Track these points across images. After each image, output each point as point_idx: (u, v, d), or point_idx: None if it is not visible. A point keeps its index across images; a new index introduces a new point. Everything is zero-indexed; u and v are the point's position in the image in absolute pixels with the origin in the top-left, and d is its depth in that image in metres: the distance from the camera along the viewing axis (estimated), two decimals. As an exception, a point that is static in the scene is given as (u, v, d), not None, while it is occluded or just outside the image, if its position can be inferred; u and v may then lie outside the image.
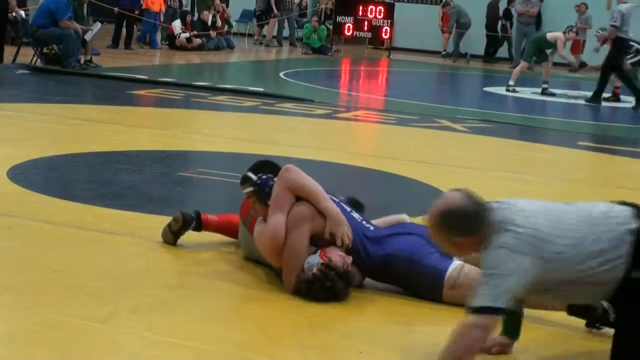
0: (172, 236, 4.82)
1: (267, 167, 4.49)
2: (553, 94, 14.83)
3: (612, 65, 14.00)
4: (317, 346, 3.60)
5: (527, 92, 15.25)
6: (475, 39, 23.49)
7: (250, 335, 3.69)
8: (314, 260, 4.13)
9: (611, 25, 14.10)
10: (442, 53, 23.61)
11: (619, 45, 13.88)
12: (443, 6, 23.47)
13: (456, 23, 23.18)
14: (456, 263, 4.18)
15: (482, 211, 3.17)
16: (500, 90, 15.65)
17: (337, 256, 4.14)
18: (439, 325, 3.91)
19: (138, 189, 6.25)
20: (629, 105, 14.43)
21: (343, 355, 3.60)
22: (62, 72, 13.24)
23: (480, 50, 23.72)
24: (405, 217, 4.63)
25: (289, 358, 3.52)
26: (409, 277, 4.22)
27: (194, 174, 6.90)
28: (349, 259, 4.17)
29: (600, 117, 13.52)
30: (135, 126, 9.09)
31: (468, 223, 3.16)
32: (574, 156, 9.29)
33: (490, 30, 23.39)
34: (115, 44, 18.61)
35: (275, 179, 4.35)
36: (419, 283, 4.21)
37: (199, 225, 4.85)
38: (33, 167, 6.73)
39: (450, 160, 8.29)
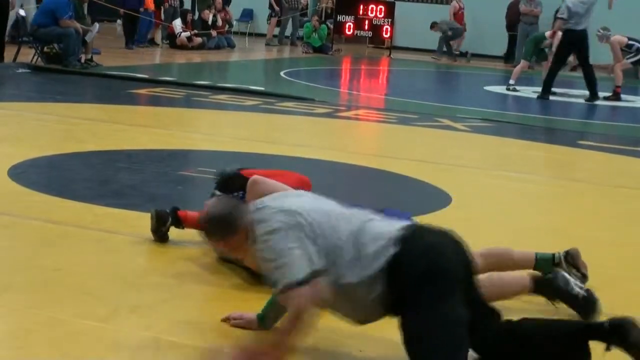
0: (154, 235, 4.79)
1: (233, 181, 4.39)
2: (553, 93, 14.82)
3: (557, 57, 14.29)
4: (318, 345, 3.59)
5: (527, 91, 15.24)
6: (493, 40, 23.45)
7: (250, 333, 3.68)
8: None
9: (559, 18, 14.49)
10: (455, 53, 23.42)
11: (569, 38, 14.04)
12: (432, 27, 23.24)
13: (445, 34, 23.16)
14: None
15: (236, 210, 3.29)
16: (501, 89, 15.64)
17: None
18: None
19: (138, 188, 6.25)
20: (630, 105, 14.43)
21: (344, 354, 3.60)
22: (62, 71, 13.24)
23: (498, 51, 23.55)
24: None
25: (290, 357, 3.51)
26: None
27: (194, 173, 6.89)
28: None
29: (600, 116, 13.51)
30: (135, 125, 9.09)
31: (228, 224, 3.28)
32: (574, 155, 9.28)
33: (512, 30, 23.08)
34: (131, 44, 18.62)
35: (245, 193, 4.29)
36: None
37: (179, 221, 4.81)
38: (34, 166, 6.73)
39: (451, 160, 8.28)
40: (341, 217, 3.25)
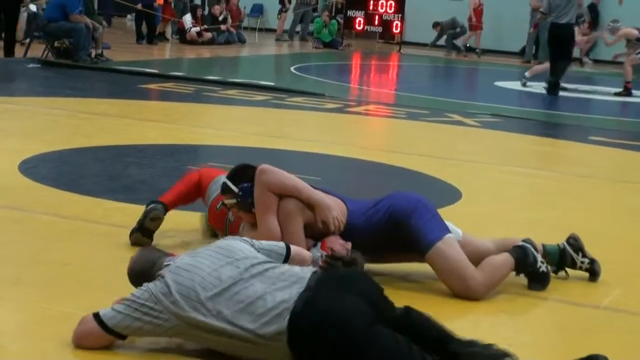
0: (150, 241, 4.73)
1: (245, 172, 4.35)
2: (565, 89, 14.76)
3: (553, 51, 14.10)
4: None
5: (538, 87, 15.20)
6: (510, 36, 23.37)
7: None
8: (317, 253, 4.12)
9: (541, 13, 14.64)
10: (462, 48, 23.37)
11: (554, 31, 13.95)
12: (434, 27, 23.20)
13: (448, 29, 23.14)
14: (451, 236, 4.26)
15: (153, 266, 3.44)
16: (512, 84, 15.60)
17: (339, 245, 4.13)
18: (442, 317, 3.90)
19: (148, 182, 6.25)
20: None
21: None
22: (72, 66, 13.26)
23: (514, 47, 23.43)
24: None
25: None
26: (409, 220, 4.23)
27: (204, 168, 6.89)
28: (349, 245, 4.17)
29: (612, 112, 13.45)
30: (145, 120, 9.10)
31: (145, 277, 3.43)
32: (585, 151, 9.25)
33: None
34: (141, 39, 18.62)
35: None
36: (416, 230, 4.23)
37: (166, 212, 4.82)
38: (44, 160, 6.74)
39: (461, 155, 8.27)
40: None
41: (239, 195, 4.28)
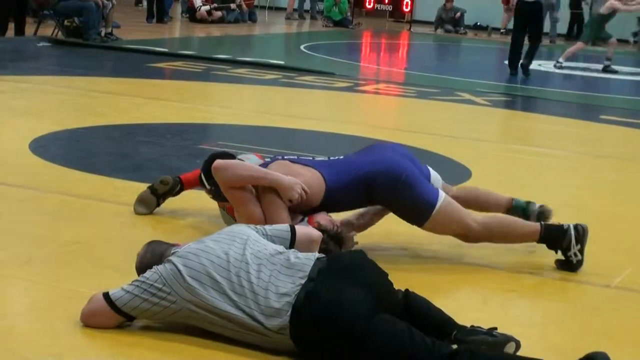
0: (155, 199, 4.84)
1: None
2: (615, 71, 14.52)
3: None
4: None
5: (549, 66, 15.13)
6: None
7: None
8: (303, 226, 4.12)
9: None
10: (502, 31, 22.92)
11: (520, 8, 13.31)
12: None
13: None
14: (442, 195, 4.27)
15: (161, 258, 3.42)
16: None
17: (326, 220, 4.12)
18: (451, 296, 3.91)
19: (158, 161, 6.26)
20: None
21: None
22: (82, 44, 13.26)
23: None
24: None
25: None
26: (393, 199, 4.25)
27: (214, 146, 6.88)
28: (337, 222, 4.18)
29: (624, 91, 13.38)
30: (155, 99, 9.09)
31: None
32: (597, 130, 9.21)
33: (575, 7, 22.57)
34: (152, 18, 18.59)
35: None
36: (404, 207, 4.26)
37: (181, 189, 4.92)
38: (55, 139, 6.75)
39: (472, 134, 8.24)
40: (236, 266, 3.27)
41: (211, 190, 4.36)
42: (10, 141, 6.56)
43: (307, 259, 3.29)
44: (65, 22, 13.74)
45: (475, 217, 4.39)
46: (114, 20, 14.87)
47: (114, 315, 3.29)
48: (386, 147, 4.59)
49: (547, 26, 21.38)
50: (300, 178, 4.18)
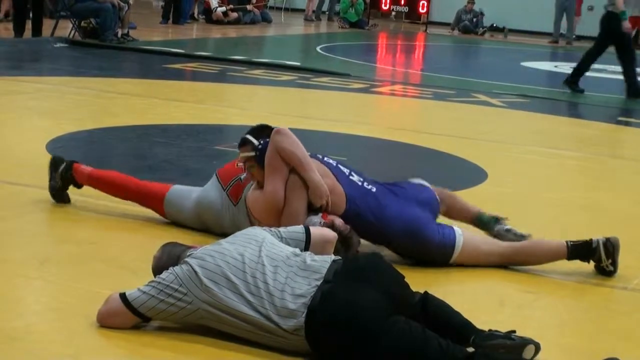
0: (62, 193, 4.85)
1: (265, 130, 4.36)
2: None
3: None
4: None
5: (565, 67, 15.07)
6: (538, 15, 23.21)
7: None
8: (316, 219, 4.11)
9: None
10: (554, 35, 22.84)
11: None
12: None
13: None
14: (458, 233, 4.30)
15: (178, 260, 3.42)
16: (538, 65, 15.47)
17: (340, 221, 4.11)
18: (467, 298, 3.90)
19: (174, 162, 6.27)
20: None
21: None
22: (99, 45, 13.30)
23: (540, 27, 23.22)
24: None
25: None
26: (412, 249, 4.27)
27: (229, 147, 6.88)
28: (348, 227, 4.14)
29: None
30: (171, 99, 9.11)
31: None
32: (613, 131, 9.17)
33: None
34: (165, 19, 18.62)
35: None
36: (425, 254, 4.29)
37: (74, 181, 4.86)
38: (72, 140, 6.77)
39: (487, 135, 8.22)
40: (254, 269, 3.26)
41: (258, 148, 4.27)
42: (28, 142, 6.59)
43: (324, 261, 3.29)
44: (82, 23, 13.78)
45: (499, 242, 4.39)
46: (130, 22, 14.92)
47: (130, 316, 3.29)
48: (407, 195, 4.44)
49: (563, 27, 21.39)
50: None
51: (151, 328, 3.35)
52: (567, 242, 4.29)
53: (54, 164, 4.90)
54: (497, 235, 4.50)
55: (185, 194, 4.66)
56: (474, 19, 23.39)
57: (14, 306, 3.56)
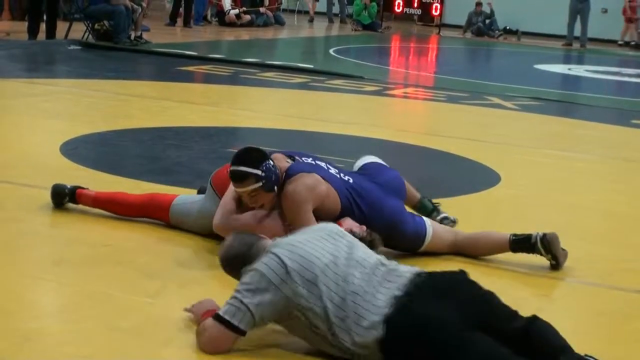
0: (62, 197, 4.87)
1: (253, 155, 4.13)
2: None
3: None
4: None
5: (580, 70, 15.03)
6: (550, 18, 23.18)
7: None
8: None
9: None
10: (620, 42, 22.51)
11: None
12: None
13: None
14: (427, 223, 4.48)
15: (251, 248, 3.33)
16: (551, 67, 15.43)
17: (356, 226, 4.08)
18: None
19: (187, 164, 6.28)
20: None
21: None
22: (112, 48, 13.34)
23: (554, 30, 23.16)
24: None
25: None
26: (389, 240, 4.23)
27: (242, 150, 6.90)
28: (364, 227, 4.11)
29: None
30: (184, 102, 9.13)
31: (243, 260, 3.30)
32: (627, 134, 9.14)
33: None
34: (172, 21, 18.65)
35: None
36: (399, 244, 4.42)
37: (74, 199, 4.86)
38: (85, 142, 6.79)
39: (500, 138, 8.21)
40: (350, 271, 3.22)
41: (262, 176, 4.06)
42: (42, 144, 6.62)
43: (407, 272, 3.23)
44: (96, 26, 13.84)
45: (455, 231, 4.60)
46: (143, 24, 14.96)
47: (233, 335, 3.17)
48: (382, 181, 4.51)
49: (577, 30, 21.33)
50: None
51: (166, 328, 3.35)
52: (510, 235, 4.43)
53: (57, 197, 4.88)
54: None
55: (187, 207, 4.64)
56: (487, 21, 23.36)
57: (29, 307, 3.57)
